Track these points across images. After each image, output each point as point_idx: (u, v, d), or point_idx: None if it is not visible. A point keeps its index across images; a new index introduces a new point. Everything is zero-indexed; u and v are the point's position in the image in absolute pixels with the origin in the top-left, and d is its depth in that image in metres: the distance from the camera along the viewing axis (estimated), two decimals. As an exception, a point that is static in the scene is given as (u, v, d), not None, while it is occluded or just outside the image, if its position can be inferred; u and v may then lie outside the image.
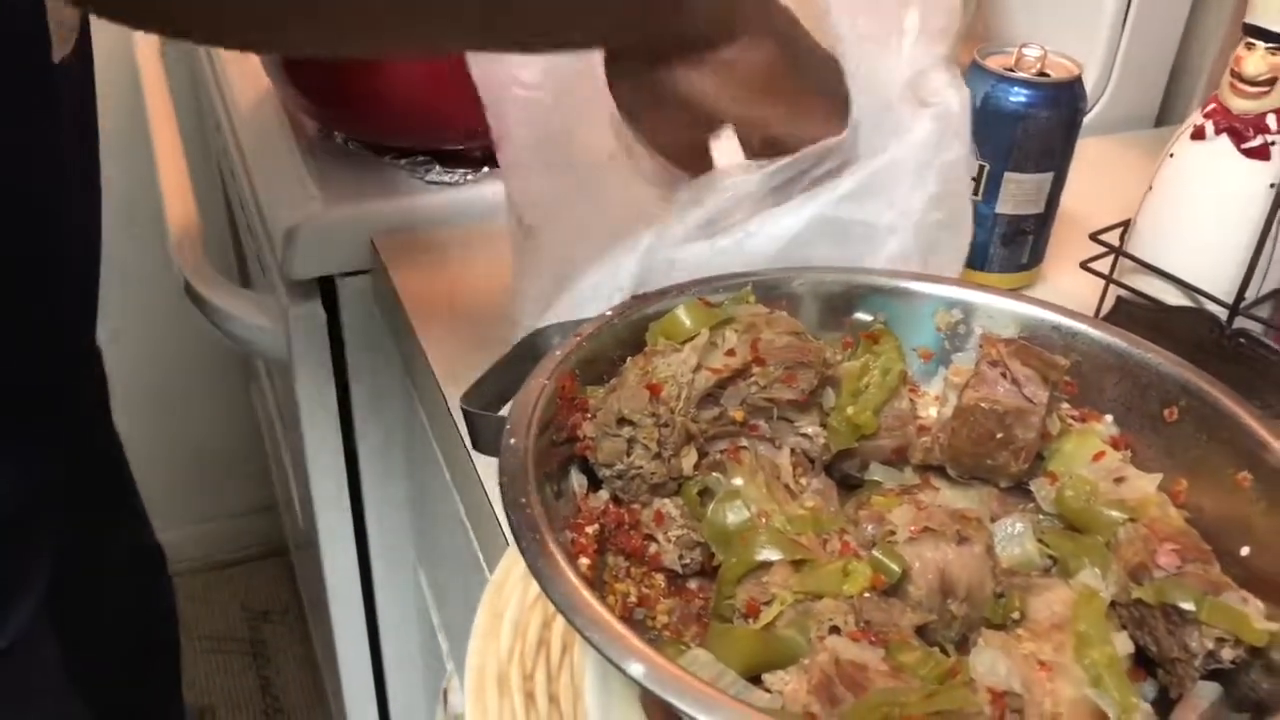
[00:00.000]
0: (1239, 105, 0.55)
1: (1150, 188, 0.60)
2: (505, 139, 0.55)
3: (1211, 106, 0.56)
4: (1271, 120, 0.54)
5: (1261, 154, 0.55)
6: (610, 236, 0.52)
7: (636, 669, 0.31)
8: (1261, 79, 0.53)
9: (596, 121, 0.55)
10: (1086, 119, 0.95)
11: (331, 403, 0.79)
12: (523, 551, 0.34)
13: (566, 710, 0.41)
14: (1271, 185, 0.54)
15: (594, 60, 0.52)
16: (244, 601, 1.66)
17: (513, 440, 0.39)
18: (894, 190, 0.53)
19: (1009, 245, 0.70)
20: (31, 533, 0.70)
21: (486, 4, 0.41)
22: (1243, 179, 0.55)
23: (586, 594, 0.33)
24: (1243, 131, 0.55)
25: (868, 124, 0.52)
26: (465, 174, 0.79)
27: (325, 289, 0.77)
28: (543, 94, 0.53)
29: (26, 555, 0.70)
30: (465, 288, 0.70)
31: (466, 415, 0.43)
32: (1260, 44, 0.53)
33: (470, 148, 0.79)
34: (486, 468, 0.56)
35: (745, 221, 0.52)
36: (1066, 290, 0.71)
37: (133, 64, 1.24)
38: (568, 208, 0.55)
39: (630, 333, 0.47)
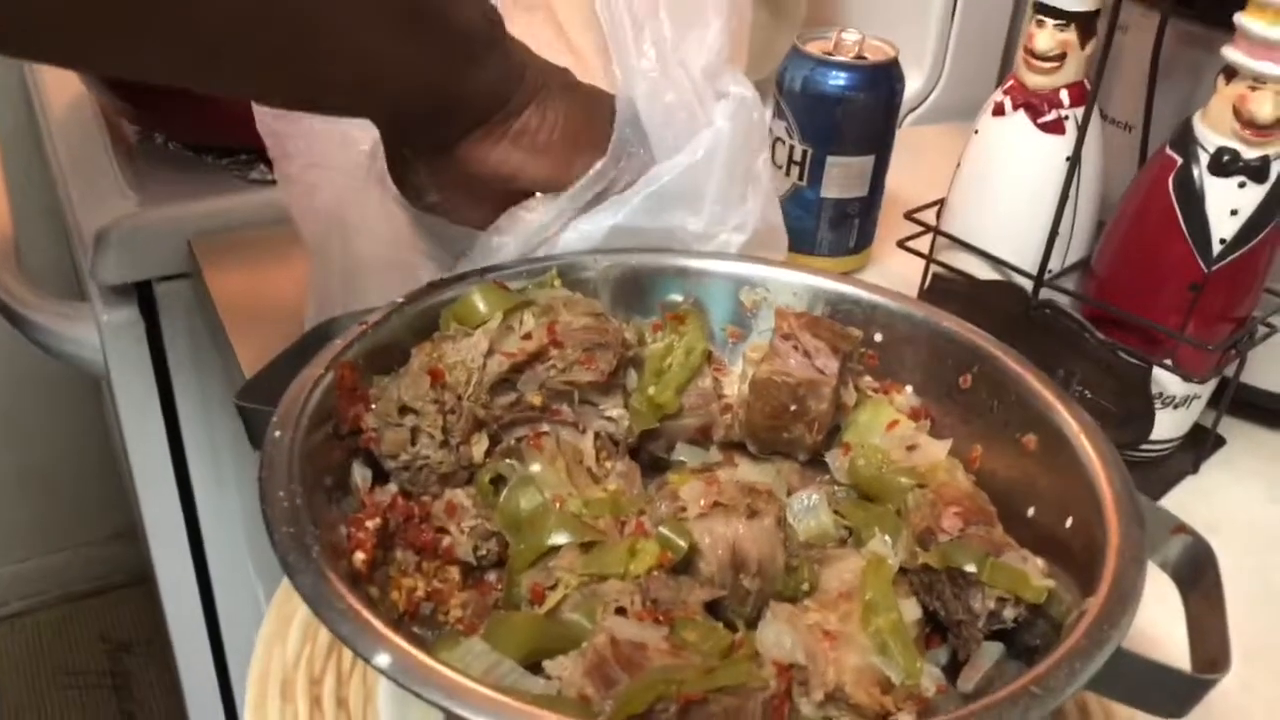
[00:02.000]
0: (1033, 81, 0.56)
1: (959, 165, 0.61)
2: (281, 158, 0.53)
3: (1010, 83, 0.58)
4: (1064, 95, 0.56)
5: (1056, 128, 0.56)
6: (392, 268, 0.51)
7: (383, 660, 0.29)
8: (1052, 54, 0.55)
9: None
10: (921, 109, 0.97)
11: (155, 413, 0.75)
12: (274, 545, 0.32)
13: (355, 715, 0.39)
14: (1067, 159, 0.55)
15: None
16: (103, 633, 1.58)
17: (277, 433, 0.37)
18: (701, 192, 0.52)
19: (836, 229, 0.70)
20: None
21: (262, 62, 0.39)
22: (1040, 153, 0.56)
23: (338, 585, 0.31)
24: (1038, 106, 0.56)
25: (659, 129, 0.52)
26: (290, 172, 0.76)
27: (144, 295, 0.74)
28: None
29: None
30: (284, 290, 0.67)
31: (241, 411, 0.41)
32: (1049, 20, 0.55)
33: (295, 144, 0.77)
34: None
35: (550, 241, 0.51)
36: (894, 272, 0.72)
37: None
38: (346, 235, 0.53)
39: (424, 321, 0.45)
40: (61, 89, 0.87)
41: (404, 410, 0.40)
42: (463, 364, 0.42)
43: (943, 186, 0.71)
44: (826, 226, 0.70)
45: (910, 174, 0.75)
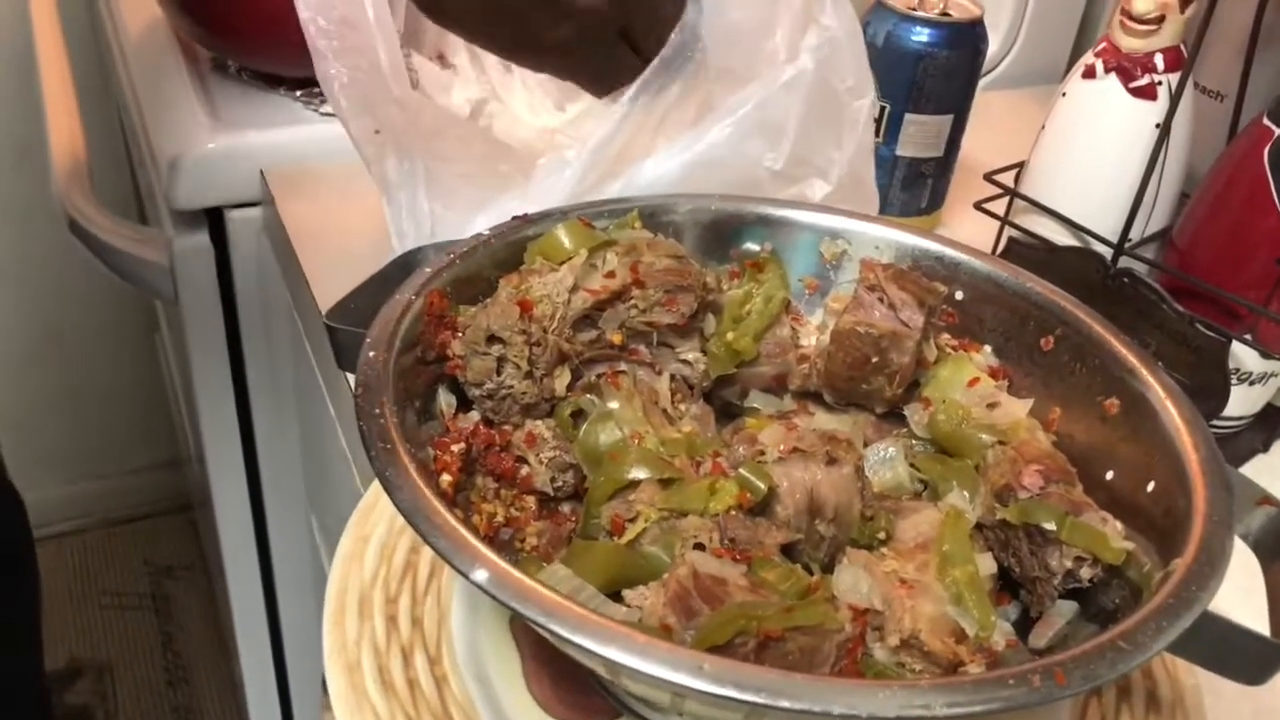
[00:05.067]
0: (1128, 44, 0.55)
1: (1043, 127, 0.60)
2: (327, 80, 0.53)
3: (1102, 45, 0.57)
4: (1159, 60, 0.55)
5: (1148, 93, 0.55)
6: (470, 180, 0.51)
7: (481, 575, 0.30)
8: (1150, 17, 0.54)
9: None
10: (995, 73, 0.96)
11: (220, 338, 0.76)
12: (371, 460, 0.33)
13: (430, 634, 0.40)
14: (1157, 125, 0.54)
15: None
16: (147, 557, 1.62)
17: (371, 354, 0.38)
18: (782, 128, 0.52)
19: (909, 189, 0.70)
20: None
21: None
22: (1129, 118, 0.55)
23: (435, 502, 0.32)
24: (1131, 70, 0.55)
25: (723, 47, 0.52)
26: (362, 106, 0.76)
27: (214, 222, 0.75)
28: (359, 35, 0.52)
29: None
30: (353, 220, 0.68)
31: (330, 332, 0.41)
32: (1150, -18, 0.53)
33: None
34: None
35: (632, 166, 0.51)
36: (965, 234, 0.71)
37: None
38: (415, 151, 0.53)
39: (509, 254, 0.45)
40: (137, 12, 0.88)
41: (491, 339, 0.41)
42: (549, 298, 0.42)
43: (1013, 151, 0.70)
44: (899, 185, 0.70)
45: (980, 138, 0.74)
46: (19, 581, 1.01)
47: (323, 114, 0.76)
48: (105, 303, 1.50)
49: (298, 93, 0.78)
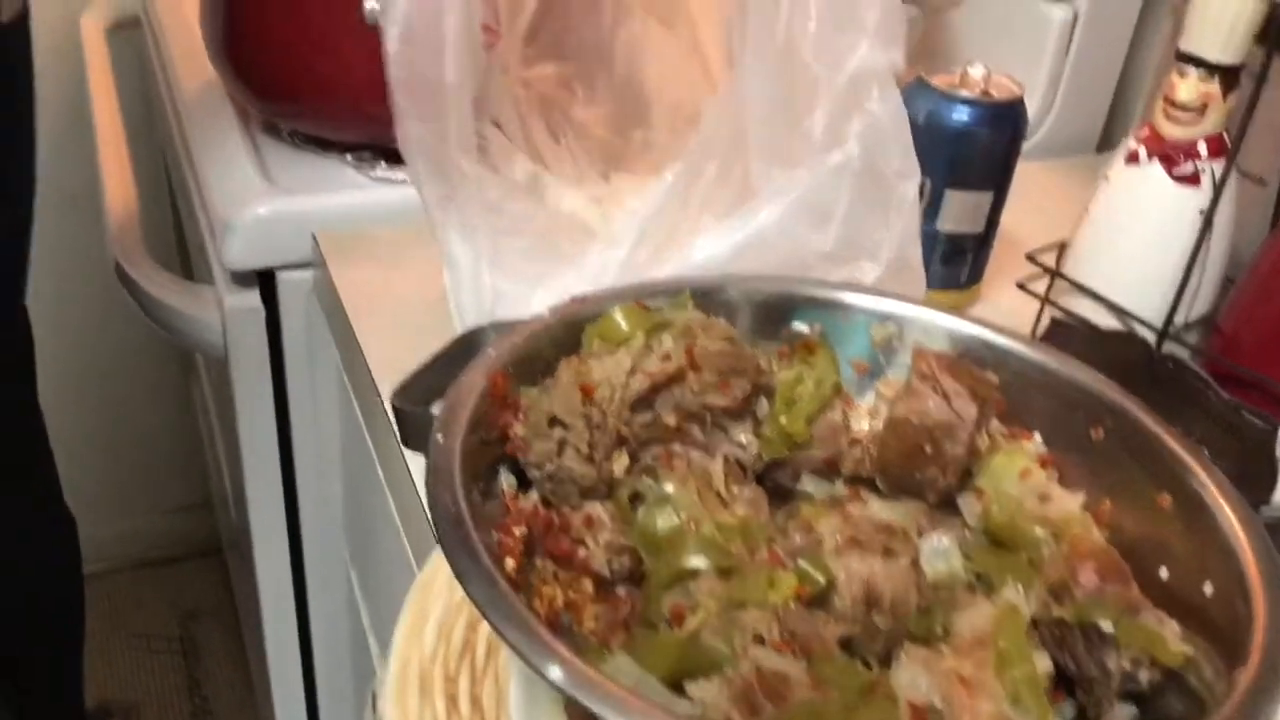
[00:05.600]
0: (1171, 131, 0.56)
1: (1086, 210, 0.61)
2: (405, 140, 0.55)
3: (1145, 132, 0.58)
4: (1202, 147, 0.55)
5: (1192, 180, 0.56)
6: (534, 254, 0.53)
7: (555, 673, 0.30)
8: (1193, 106, 0.55)
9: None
10: (1029, 143, 0.97)
11: (268, 398, 0.78)
12: (445, 549, 0.34)
13: (490, 714, 0.41)
14: (1201, 211, 0.55)
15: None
16: (174, 600, 1.63)
17: (440, 437, 0.39)
18: (829, 211, 0.53)
19: (949, 263, 0.71)
20: None
21: None
22: (1174, 205, 0.56)
23: (509, 594, 0.32)
24: (1174, 158, 0.56)
25: (772, 135, 0.53)
26: (412, 171, 0.78)
27: (264, 282, 0.76)
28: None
29: None
30: (405, 286, 0.69)
31: (397, 412, 0.42)
32: (1193, 71, 0.54)
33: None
34: (419, 466, 0.55)
35: (683, 245, 0.53)
36: (1004, 310, 0.72)
37: (77, 41, 1.21)
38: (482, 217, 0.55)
39: (566, 334, 0.46)
40: (192, 71, 0.90)
41: (554, 423, 0.42)
42: (608, 381, 0.43)
43: (1049, 224, 0.71)
44: (939, 260, 0.70)
45: (1016, 210, 0.74)
46: (71, 617, 1.03)
47: (374, 178, 0.78)
48: (143, 346, 1.52)
49: (349, 156, 0.80)
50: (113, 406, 1.57)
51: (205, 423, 1.43)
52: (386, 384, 0.60)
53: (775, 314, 0.51)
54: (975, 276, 0.72)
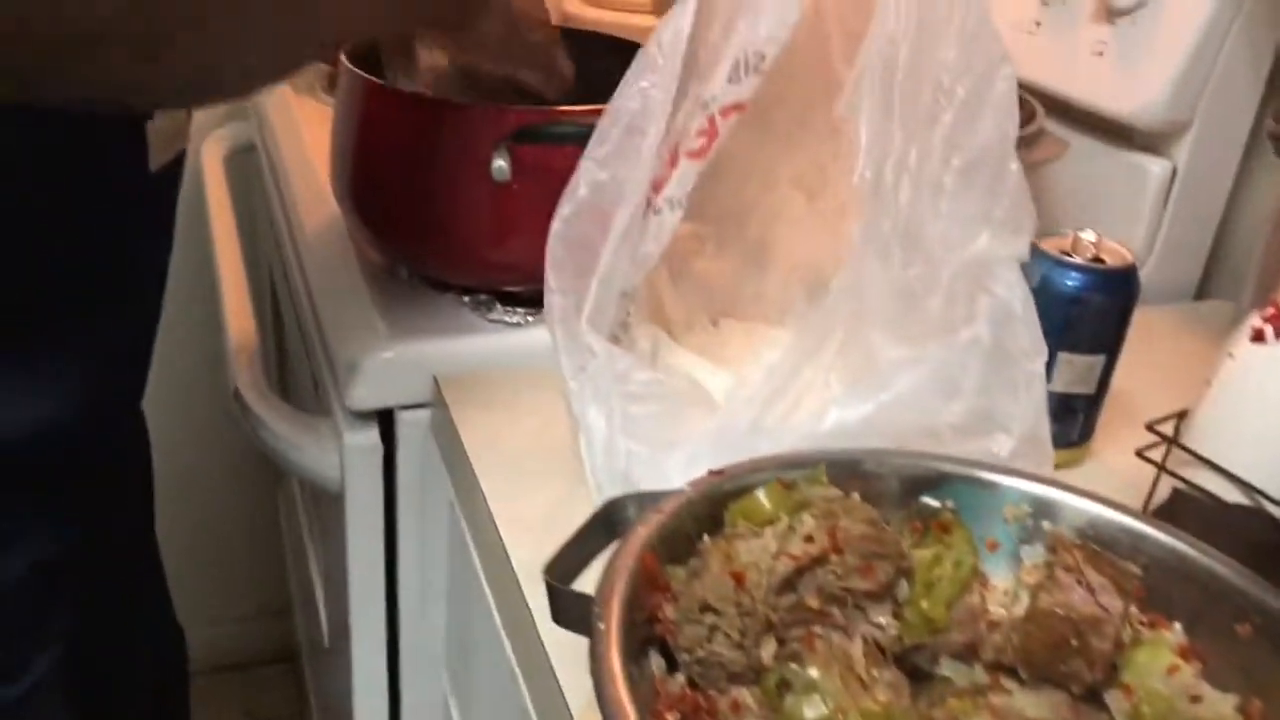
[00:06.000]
0: (1299, 314, 0.56)
1: (1209, 384, 0.61)
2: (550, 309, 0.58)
3: (1270, 311, 0.58)
4: (1332, 330, 0.56)
5: (1320, 362, 0.56)
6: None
7: None
8: (1322, 291, 0.55)
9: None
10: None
11: (379, 532, 0.79)
12: (619, 751, 0.35)
13: None
14: (1331, 393, 0.55)
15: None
16: (248, 707, 1.63)
17: (602, 625, 0.40)
18: (958, 387, 0.55)
19: (1060, 422, 0.71)
20: (58, 583, 0.73)
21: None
22: (1303, 385, 0.56)
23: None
24: (1303, 340, 0.56)
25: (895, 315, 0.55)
26: (526, 314, 0.81)
27: (381, 418, 0.78)
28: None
29: (51, 605, 0.74)
30: (523, 428, 0.71)
31: (550, 589, 0.44)
32: (1321, 258, 0.55)
33: (532, 289, 0.81)
34: (539, 606, 0.56)
35: (813, 413, 0.54)
36: (1116, 469, 0.72)
37: (197, 166, 1.28)
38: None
39: (707, 508, 0.48)
40: (311, 206, 0.95)
41: (705, 609, 0.42)
42: (755, 565, 0.44)
43: (1154, 375, 0.71)
44: (1052, 419, 0.71)
45: (1121, 363, 0.75)
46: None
47: (489, 320, 0.81)
48: (230, 454, 1.56)
49: (465, 298, 0.83)
50: (196, 511, 1.60)
51: (289, 530, 1.46)
52: (509, 530, 0.62)
53: (909, 488, 0.52)
54: (1086, 435, 0.73)
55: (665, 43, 0.59)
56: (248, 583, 1.66)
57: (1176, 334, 0.91)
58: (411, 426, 0.77)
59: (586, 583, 0.44)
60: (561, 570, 0.45)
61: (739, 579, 0.43)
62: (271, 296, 1.28)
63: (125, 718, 0.95)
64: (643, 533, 0.44)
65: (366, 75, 0.79)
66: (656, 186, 0.61)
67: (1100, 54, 0.90)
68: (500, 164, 0.73)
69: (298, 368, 1.03)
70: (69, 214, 0.67)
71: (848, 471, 0.51)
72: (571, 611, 0.43)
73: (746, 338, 0.79)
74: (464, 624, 0.77)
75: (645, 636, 0.43)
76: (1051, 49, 0.94)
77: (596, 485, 0.55)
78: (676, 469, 0.54)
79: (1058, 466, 0.64)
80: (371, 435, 0.77)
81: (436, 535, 0.79)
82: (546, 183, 0.62)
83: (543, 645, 0.55)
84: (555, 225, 0.56)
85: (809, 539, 0.46)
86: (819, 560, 0.45)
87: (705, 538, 0.46)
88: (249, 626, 1.69)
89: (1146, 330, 0.89)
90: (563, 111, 0.74)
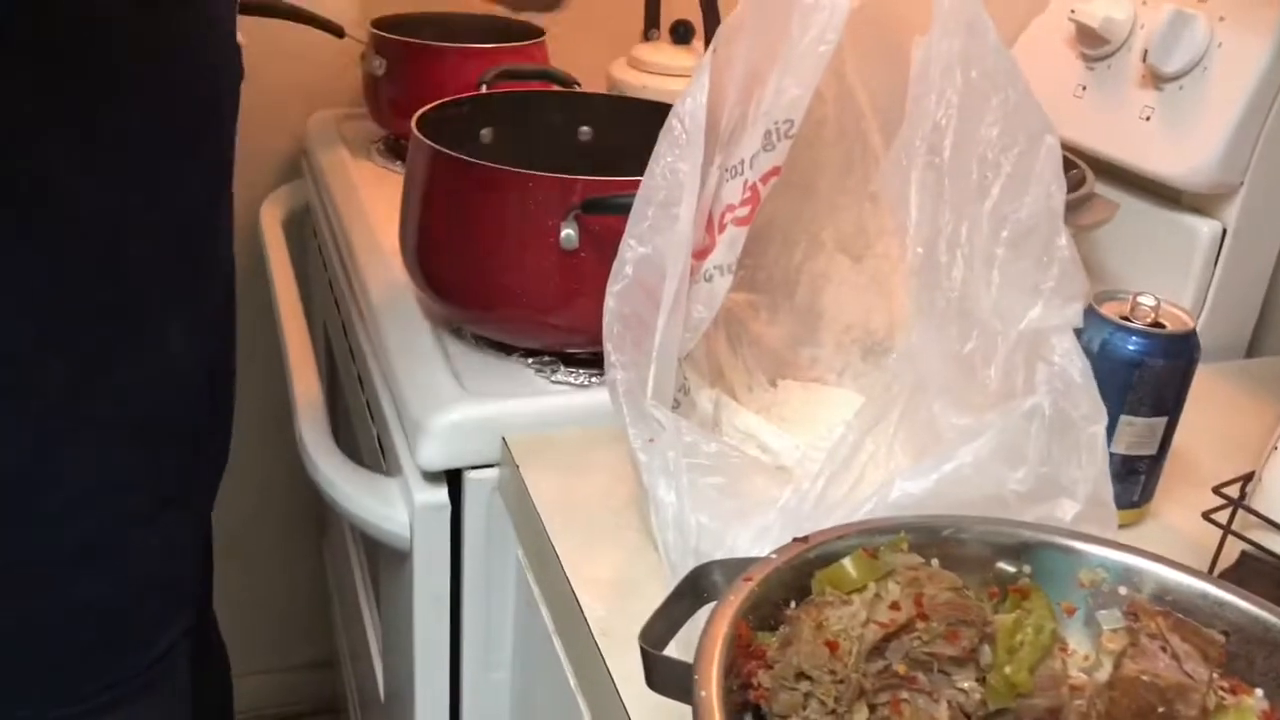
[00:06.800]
0: (1366, 382, 0.57)
1: (1275, 448, 0.62)
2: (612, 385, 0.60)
3: (1336, 377, 0.59)
4: (1399, 398, 0.57)
5: (1389, 429, 0.57)
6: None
7: None
8: (1389, 360, 0.56)
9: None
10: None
11: (446, 590, 0.81)
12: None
13: None
14: (1400, 460, 0.56)
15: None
16: (292, 759, 1.64)
17: (704, 692, 0.41)
18: (1022, 454, 0.56)
19: (1122, 483, 0.72)
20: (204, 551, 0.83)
21: None
22: (1371, 451, 0.57)
23: None
24: (1370, 406, 0.57)
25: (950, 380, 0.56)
26: (590, 375, 0.83)
27: (449, 477, 0.80)
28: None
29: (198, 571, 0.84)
30: (590, 488, 0.73)
31: (646, 655, 0.45)
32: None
33: (593, 351, 0.84)
34: (623, 682, 0.57)
35: (880, 483, 0.56)
36: (1176, 529, 0.73)
37: (256, 226, 1.31)
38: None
39: (792, 575, 0.49)
40: (375, 269, 0.98)
41: (800, 676, 0.44)
42: (846, 632, 0.45)
43: (1209, 436, 0.72)
44: (1114, 480, 0.72)
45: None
46: None
47: (554, 381, 0.83)
48: (279, 504, 1.58)
49: (529, 360, 0.85)
50: (257, 561, 1.62)
51: (337, 584, 1.47)
52: (581, 590, 0.64)
53: (987, 554, 0.53)
54: (1147, 495, 0.74)
55: (686, 116, 0.61)
56: (296, 635, 1.67)
57: (1231, 392, 0.92)
58: (478, 485, 0.79)
59: (674, 648, 0.46)
60: (654, 636, 0.47)
61: (832, 647, 0.44)
62: (327, 355, 1.31)
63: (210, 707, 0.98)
64: (735, 600, 0.46)
65: (436, 145, 0.82)
66: (700, 254, 0.64)
67: (1147, 118, 0.92)
68: (569, 233, 0.76)
69: (357, 425, 1.05)
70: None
71: (927, 538, 0.52)
72: (667, 677, 0.44)
73: (805, 397, 0.80)
74: (531, 684, 0.79)
75: (740, 703, 0.45)
76: (1098, 113, 0.96)
77: (669, 559, 0.56)
78: (746, 543, 0.56)
79: (1119, 527, 0.65)
80: (441, 494, 0.79)
81: (502, 594, 0.81)
82: (611, 249, 0.64)
83: (624, 707, 0.56)
84: (608, 302, 0.58)
85: (895, 606, 0.47)
86: (906, 627, 0.46)
87: (793, 604, 0.48)
88: (298, 676, 1.70)
89: (1200, 389, 0.90)
90: (628, 182, 0.77)
